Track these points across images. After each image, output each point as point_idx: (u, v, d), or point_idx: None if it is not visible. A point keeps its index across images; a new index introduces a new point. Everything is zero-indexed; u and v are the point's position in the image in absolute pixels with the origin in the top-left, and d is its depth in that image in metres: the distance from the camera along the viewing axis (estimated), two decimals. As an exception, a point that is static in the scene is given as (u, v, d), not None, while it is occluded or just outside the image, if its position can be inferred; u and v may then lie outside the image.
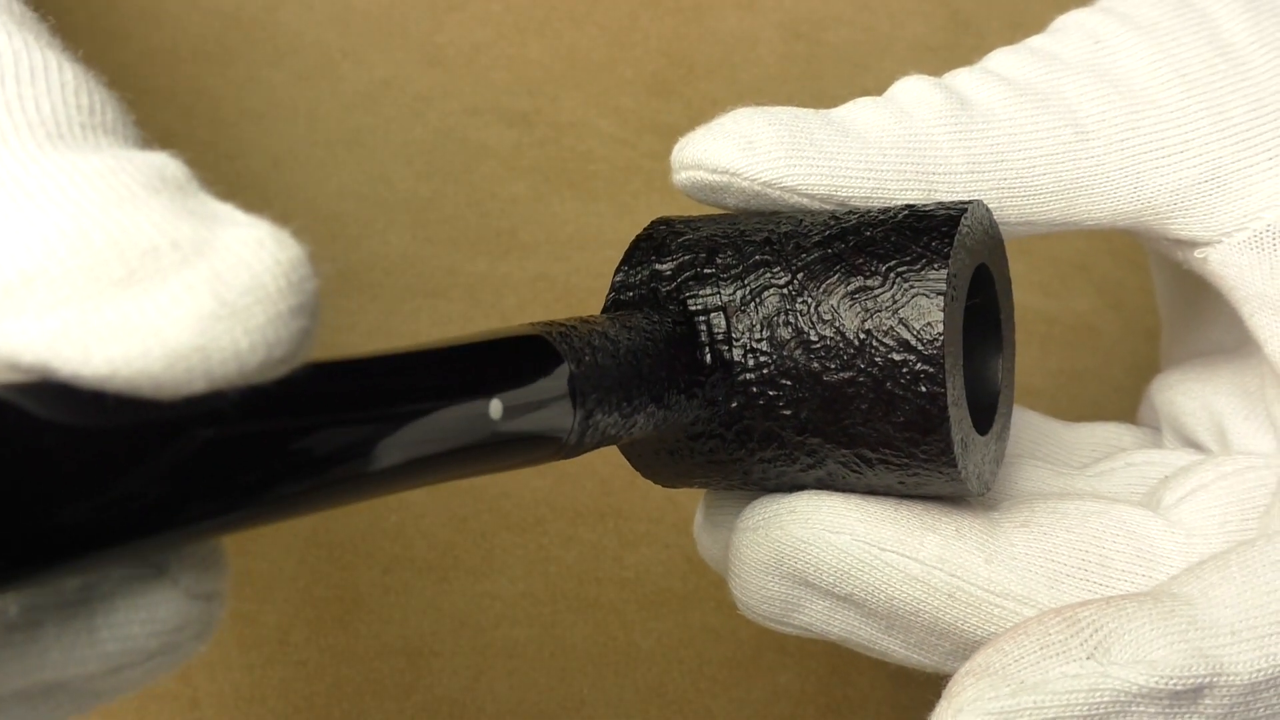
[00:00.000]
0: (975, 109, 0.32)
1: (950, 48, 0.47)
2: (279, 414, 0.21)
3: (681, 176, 0.32)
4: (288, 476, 0.21)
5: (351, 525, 0.45)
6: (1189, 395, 0.35)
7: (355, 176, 0.45)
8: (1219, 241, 0.33)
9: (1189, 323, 0.37)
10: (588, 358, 0.27)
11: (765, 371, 0.30)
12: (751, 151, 0.31)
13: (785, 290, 0.30)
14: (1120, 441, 0.37)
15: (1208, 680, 0.28)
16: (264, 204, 0.44)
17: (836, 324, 0.30)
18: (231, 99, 0.44)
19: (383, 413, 0.23)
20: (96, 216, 0.21)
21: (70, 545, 0.19)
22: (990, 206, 0.32)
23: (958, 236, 0.30)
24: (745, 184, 0.31)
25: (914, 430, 0.29)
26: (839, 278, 0.30)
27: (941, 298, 0.29)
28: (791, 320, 0.30)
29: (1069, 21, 0.35)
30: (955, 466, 0.30)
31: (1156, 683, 0.27)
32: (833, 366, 0.30)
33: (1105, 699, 0.27)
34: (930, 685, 0.31)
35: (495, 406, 0.25)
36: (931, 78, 0.33)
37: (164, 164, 0.22)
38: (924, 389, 0.29)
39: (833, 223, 0.31)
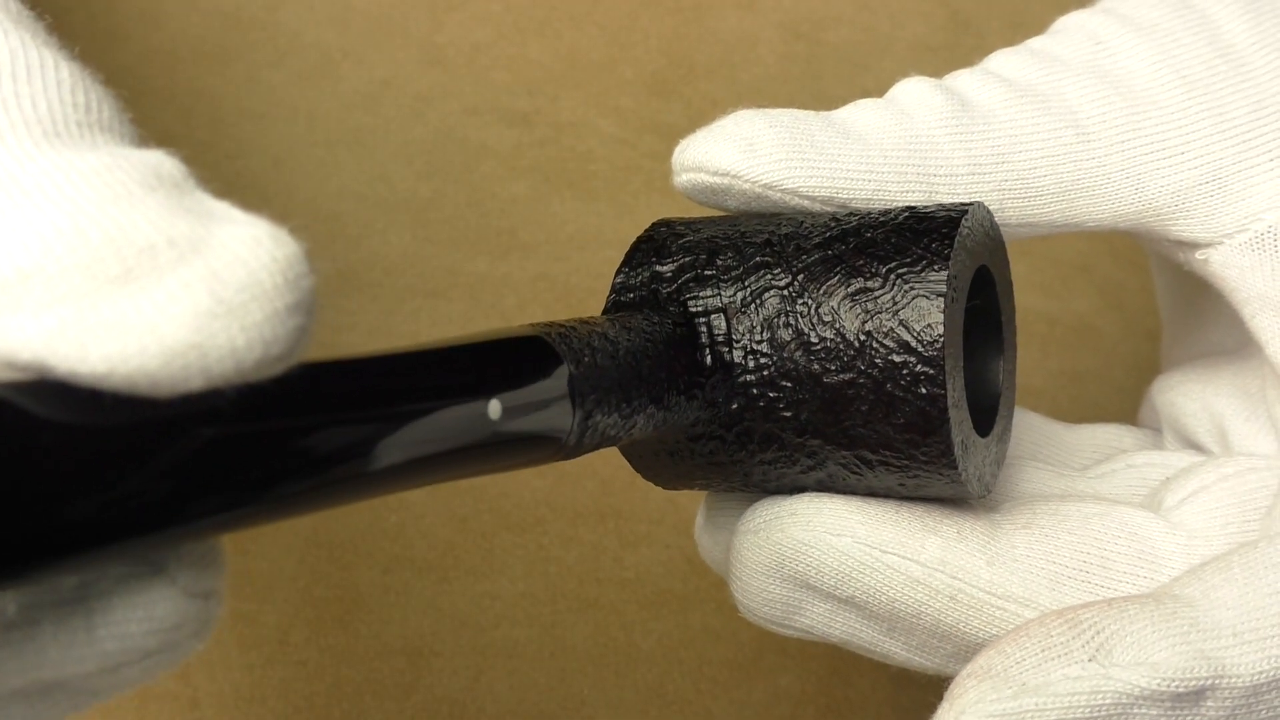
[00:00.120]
0: (976, 110, 0.32)
1: (950, 48, 0.47)
2: (278, 413, 0.21)
3: (683, 179, 0.32)
4: (287, 476, 0.21)
5: (351, 525, 0.45)
6: (1190, 397, 0.35)
7: (355, 176, 0.45)
8: (1220, 243, 0.33)
9: (1189, 324, 0.37)
10: (587, 359, 0.27)
11: (765, 373, 0.30)
12: (753, 154, 0.31)
13: (786, 292, 0.30)
14: (1121, 443, 0.37)
15: (1210, 682, 0.28)
16: (264, 204, 0.44)
17: (837, 325, 0.30)
18: (231, 99, 0.44)
19: (382, 413, 0.23)
20: (93, 214, 0.21)
21: (68, 543, 0.19)
22: (991, 208, 0.32)
23: (958, 238, 0.30)
24: (746, 186, 0.31)
25: (914, 432, 0.29)
26: (839, 279, 0.30)
27: (942, 299, 0.29)
28: (792, 322, 0.30)
29: (1070, 23, 0.34)
30: (956, 468, 0.29)
31: (1158, 685, 0.27)
32: (833, 368, 0.30)
33: (1107, 701, 0.27)
34: (931, 687, 0.31)
35: (494, 407, 0.25)
36: (932, 79, 0.33)
37: (160, 162, 0.22)
38: (924, 390, 0.29)
39: (833, 224, 0.31)
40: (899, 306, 0.29)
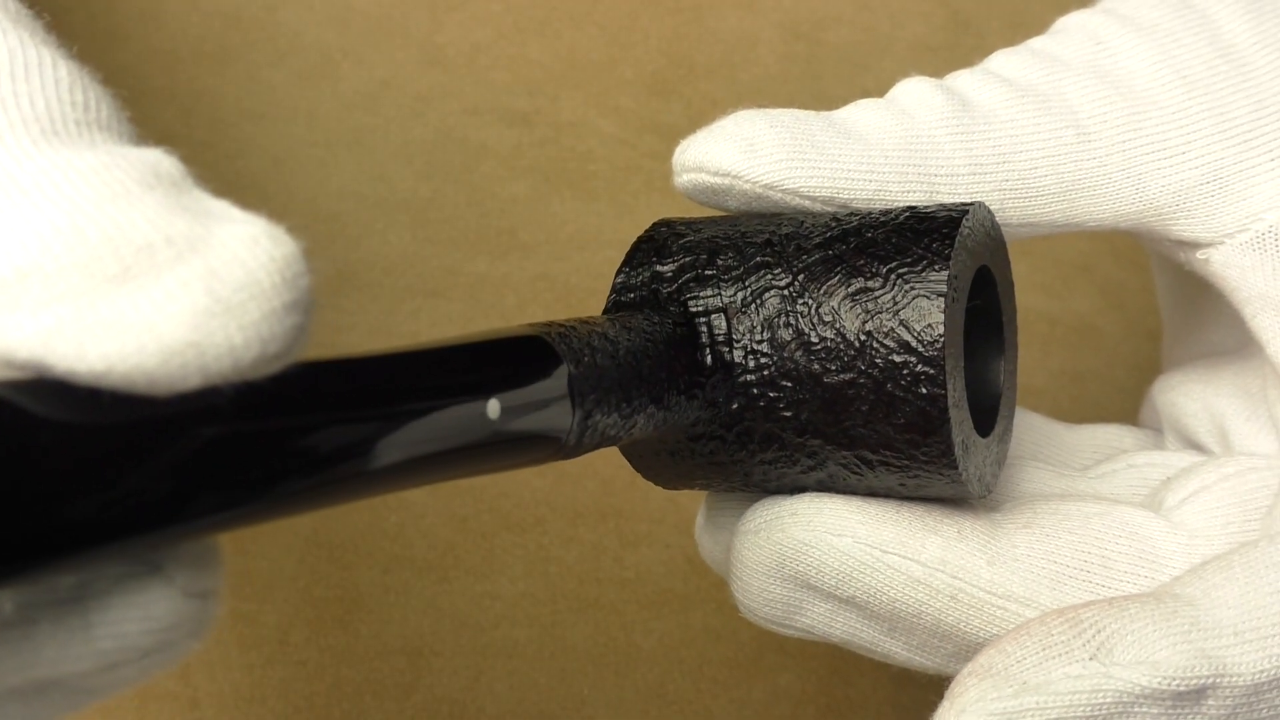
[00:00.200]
0: (977, 110, 0.32)
1: (950, 48, 0.47)
2: (277, 413, 0.21)
3: (683, 179, 0.32)
4: (285, 475, 0.21)
5: (351, 525, 0.45)
6: (1190, 397, 0.35)
7: (355, 176, 0.45)
8: (1221, 243, 0.33)
9: (1190, 324, 0.37)
10: (587, 358, 0.27)
11: (766, 373, 0.30)
12: (753, 154, 0.31)
13: (786, 292, 0.30)
14: (1122, 443, 0.37)
15: (1210, 681, 0.28)
16: (264, 204, 0.44)
17: (837, 325, 0.30)
18: (231, 99, 0.44)
19: (380, 412, 0.23)
20: (91, 213, 0.21)
21: (65, 543, 0.19)
22: (992, 208, 0.32)
23: (959, 238, 0.30)
24: (747, 186, 0.31)
25: (915, 432, 0.29)
26: (840, 279, 0.30)
27: (942, 299, 0.29)
28: (792, 322, 0.30)
29: (1070, 23, 0.34)
30: (956, 468, 0.29)
31: (1159, 683, 0.27)
32: (833, 368, 0.30)
33: (1108, 700, 0.27)
34: (932, 686, 0.31)
35: (493, 407, 0.25)
36: (933, 79, 0.33)
37: (159, 160, 0.22)
38: (924, 390, 0.29)
39: (834, 224, 0.31)
40: (899, 306, 0.29)
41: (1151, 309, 0.47)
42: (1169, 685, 0.27)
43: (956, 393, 0.29)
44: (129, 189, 0.21)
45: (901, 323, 0.29)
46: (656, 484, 0.33)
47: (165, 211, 0.21)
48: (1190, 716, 0.28)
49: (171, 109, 0.44)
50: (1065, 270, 0.48)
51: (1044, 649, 0.28)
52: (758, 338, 0.30)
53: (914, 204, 0.31)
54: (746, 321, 0.30)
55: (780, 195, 0.31)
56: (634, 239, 0.32)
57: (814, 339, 0.30)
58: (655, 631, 0.45)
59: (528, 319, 0.35)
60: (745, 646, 0.45)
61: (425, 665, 0.45)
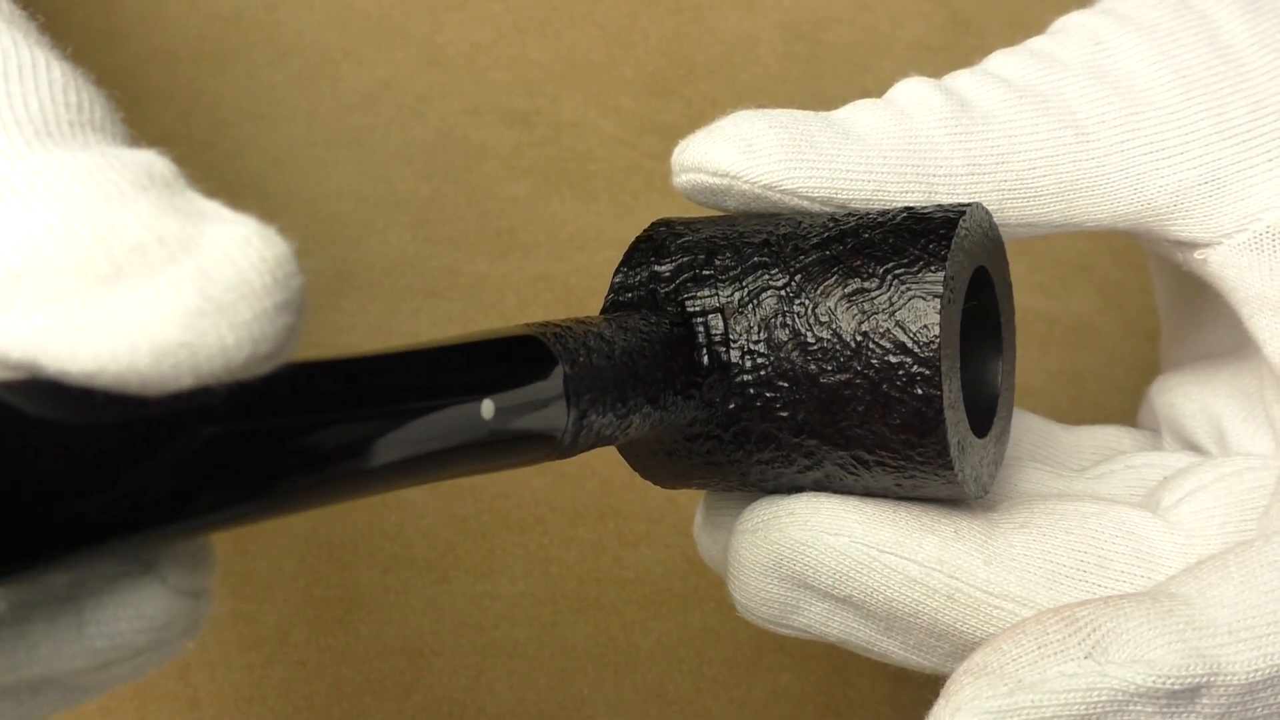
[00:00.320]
0: (975, 111, 0.32)
1: (950, 48, 0.47)
2: (271, 413, 0.21)
3: (682, 179, 0.32)
4: (278, 475, 0.21)
5: (351, 525, 0.45)
6: (1188, 398, 0.35)
7: (355, 176, 0.45)
8: (1219, 243, 0.33)
9: (1188, 325, 0.37)
10: (582, 358, 0.27)
11: (762, 373, 0.30)
12: (752, 154, 0.31)
13: (783, 292, 0.30)
14: (1120, 444, 0.37)
15: (1205, 680, 0.28)
16: (264, 204, 0.45)
17: (833, 326, 0.30)
18: (231, 99, 0.44)
19: (374, 412, 0.23)
20: (84, 214, 0.21)
21: (59, 542, 0.19)
22: (991, 208, 0.32)
23: (955, 239, 0.30)
24: (746, 187, 0.31)
25: (910, 432, 0.29)
26: (836, 280, 0.30)
27: (938, 300, 0.29)
28: (789, 322, 0.30)
29: (1069, 23, 0.34)
30: (952, 469, 0.29)
31: (1154, 682, 0.27)
32: (829, 368, 0.30)
33: (1103, 698, 0.27)
34: (930, 685, 0.31)
35: (487, 407, 0.25)
36: (931, 79, 0.33)
37: (152, 161, 0.22)
38: (920, 391, 0.29)
39: (831, 225, 0.31)
40: (895, 307, 0.29)
41: (1150, 309, 0.47)
42: (1164, 684, 0.27)
43: (952, 394, 0.29)
44: (122, 190, 0.21)
45: (897, 323, 0.29)
46: (654, 483, 0.33)
47: (158, 212, 0.21)
48: (1185, 715, 0.28)
49: (171, 109, 0.44)
50: (1063, 270, 0.48)
51: (1039, 647, 0.28)
52: (754, 338, 0.30)
53: (912, 205, 0.31)
54: (743, 322, 0.31)
55: (779, 196, 0.31)
56: (633, 239, 0.32)
57: (810, 339, 0.30)
58: (655, 631, 0.45)
59: (528, 319, 0.35)
60: (745, 646, 0.45)
61: (425, 665, 0.45)
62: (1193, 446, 0.35)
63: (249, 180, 0.45)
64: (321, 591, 0.45)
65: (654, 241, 0.32)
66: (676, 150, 0.32)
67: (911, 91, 0.33)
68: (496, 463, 0.26)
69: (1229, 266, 0.33)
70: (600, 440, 0.28)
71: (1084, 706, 0.27)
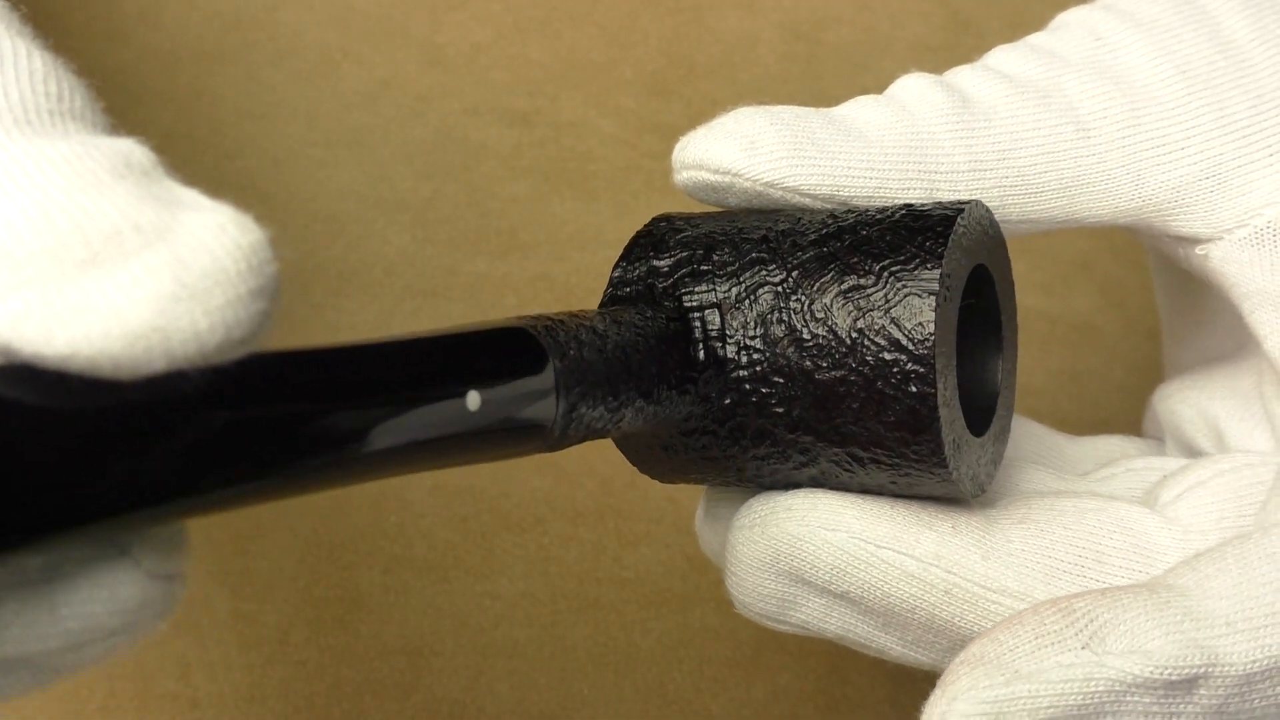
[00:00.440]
0: (977, 107, 0.32)
1: (950, 48, 0.47)
2: (248, 401, 0.21)
3: (683, 176, 0.32)
4: (255, 463, 0.21)
5: (351, 525, 0.45)
6: (1186, 403, 0.35)
7: (355, 176, 0.45)
8: (1220, 238, 0.33)
9: (1188, 325, 0.37)
10: (573, 352, 0.27)
11: (758, 369, 0.30)
12: (753, 152, 0.31)
13: (780, 288, 0.30)
14: (1123, 451, 0.36)
15: (1203, 671, 0.28)
16: (264, 204, 0.45)
17: (829, 322, 0.30)
18: (231, 99, 0.45)
19: (357, 401, 0.23)
20: (61, 200, 0.21)
21: (30, 526, 0.19)
22: (992, 205, 0.32)
23: (953, 236, 0.29)
24: (747, 184, 0.31)
25: (905, 430, 0.29)
26: (833, 276, 0.30)
27: (933, 297, 0.29)
28: (785, 318, 0.30)
29: (1070, 19, 0.34)
30: (946, 467, 0.29)
31: (1151, 673, 0.27)
32: (824, 365, 0.30)
33: (1100, 688, 0.27)
34: (929, 682, 0.31)
35: (473, 398, 0.25)
36: (932, 75, 0.33)
37: (130, 150, 0.23)
38: (914, 389, 0.29)
39: (830, 221, 0.31)
40: (891, 304, 0.29)
41: (1151, 308, 0.47)
42: (1161, 674, 0.27)
43: (947, 391, 0.29)
44: (99, 178, 0.22)
45: (892, 320, 0.29)
46: (652, 477, 0.33)
47: (134, 200, 0.21)
48: (1182, 706, 0.28)
49: (171, 109, 0.44)
50: (1064, 269, 0.48)
51: (1036, 638, 0.28)
52: (751, 334, 0.30)
53: (914, 201, 0.31)
54: (740, 317, 0.30)
55: (780, 193, 0.31)
56: (634, 233, 0.32)
57: (806, 335, 0.30)
58: (655, 631, 0.45)
59: (526, 318, 0.35)
60: (745, 645, 0.45)
61: (425, 665, 0.45)
62: (1195, 452, 0.35)
63: (249, 180, 0.45)
64: (321, 591, 0.45)
65: (654, 236, 0.32)
66: (677, 147, 0.32)
67: (913, 88, 0.33)
68: (484, 454, 0.26)
69: (1230, 262, 0.33)
70: (591, 433, 0.28)
71: (1081, 697, 0.27)
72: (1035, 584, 0.31)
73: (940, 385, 0.29)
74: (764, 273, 0.30)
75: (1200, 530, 0.32)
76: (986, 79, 0.33)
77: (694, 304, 0.31)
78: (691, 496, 0.40)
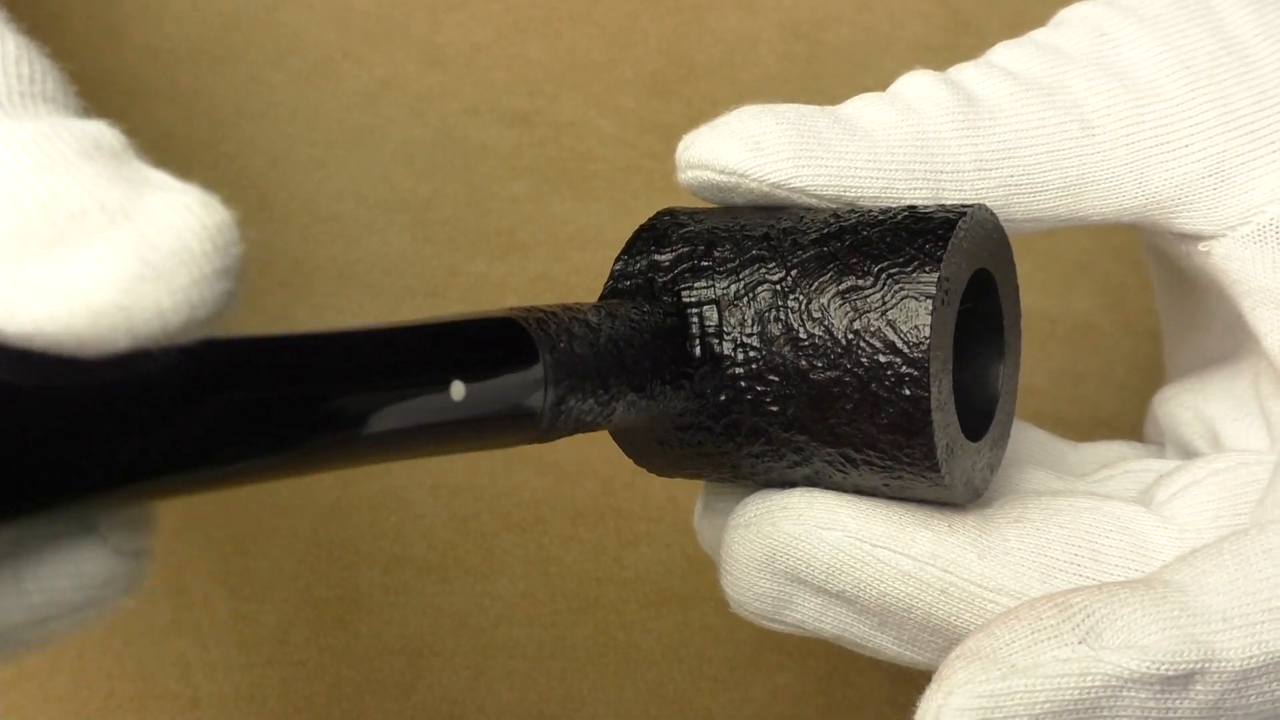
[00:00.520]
0: (982, 105, 0.32)
1: (950, 48, 0.47)
2: (218, 383, 0.21)
3: (688, 175, 0.32)
4: (221, 445, 0.21)
5: (351, 525, 0.45)
6: (1183, 406, 0.35)
7: (355, 176, 0.45)
8: (1223, 235, 0.33)
9: (1185, 326, 0.37)
10: (563, 344, 0.27)
11: (754, 367, 0.30)
12: (760, 153, 0.31)
13: (778, 286, 0.30)
14: (1123, 457, 0.36)
15: (1199, 666, 0.28)
16: (264, 204, 0.45)
17: (825, 322, 0.30)
18: (231, 99, 0.45)
19: (333, 386, 0.23)
20: (27, 180, 0.21)
21: None
22: (997, 204, 0.32)
23: (953, 240, 0.29)
24: (753, 185, 0.31)
25: (897, 433, 0.29)
26: (831, 276, 0.30)
27: (930, 300, 0.29)
28: (782, 317, 0.30)
29: (1073, 14, 0.34)
30: (939, 471, 0.29)
31: (1148, 668, 0.27)
32: (820, 365, 0.29)
33: (1096, 683, 0.27)
34: (929, 682, 0.31)
35: (458, 388, 0.25)
36: (936, 73, 0.33)
37: (100, 132, 0.23)
38: (908, 392, 0.29)
39: (833, 221, 0.31)
40: (887, 306, 0.29)
41: (1151, 308, 0.47)
42: (1158, 670, 0.27)
43: (942, 396, 0.29)
44: (67, 158, 0.22)
45: (888, 323, 0.29)
46: (649, 470, 0.33)
47: (101, 180, 0.21)
48: (1178, 701, 0.28)
49: (171, 109, 0.44)
50: (1065, 269, 0.48)
51: (1033, 633, 0.28)
52: (748, 331, 0.30)
53: (921, 201, 0.31)
54: (738, 314, 0.30)
55: (787, 194, 0.31)
56: (637, 227, 0.32)
57: (802, 335, 0.30)
58: (655, 631, 0.45)
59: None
60: (745, 645, 0.45)
61: (425, 665, 0.45)
62: (1193, 455, 0.35)
63: (249, 180, 0.45)
64: (321, 591, 0.45)
65: (657, 230, 0.32)
66: (681, 145, 0.32)
67: (917, 86, 0.32)
68: (472, 443, 0.26)
69: (1232, 259, 0.33)
70: (582, 425, 0.28)
71: (1077, 691, 0.27)
72: (1031, 583, 0.31)
73: (934, 389, 0.29)
74: (764, 270, 0.30)
75: (1196, 529, 0.32)
76: (991, 76, 0.33)
77: (693, 299, 0.31)
78: (691, 496, 0.40)
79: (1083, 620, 0.28)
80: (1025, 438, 0.36)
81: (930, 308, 0.29)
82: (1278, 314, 0.32)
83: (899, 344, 0.29)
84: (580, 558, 0.45)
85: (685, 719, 0.45)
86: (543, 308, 0.28)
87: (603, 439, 0.32)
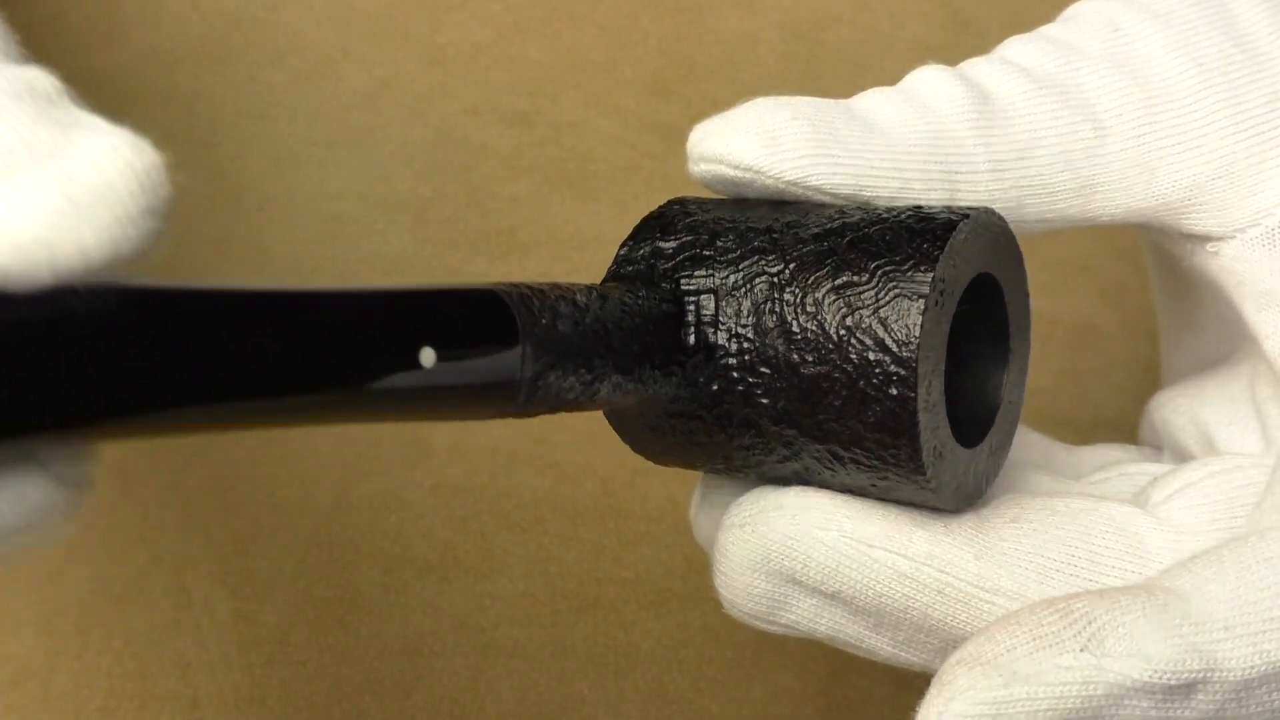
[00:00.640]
0: (996, 104, 0.32)
1: (950, 48, 0.47)
2: (165, 328, 0.21)
3: (700, 169, 0.31)
4: (160, 390, 0.21)
5: (351, 525, 0.45)
6: (1178, 411, 0.35)
7: (355, 176, 0.45)
8: (1231, 237, 0.32)
9: (1182, 328, 0.37)
10: (545, 320, 0.27)
11: (746, 358, 0.30)
12: (776, 149, 0.30)
13: (776, 279, 0.30)
14: (1120, 460, 0.36)
15: (1201, 676, 0.27)
16: (264, 204, 0.45)
17: (819, 317, 0.29)
18: (231, 99, 0.45)
19: (293, 340, 0.23)
20: None
21: None
22: (1010, 206, 0.31)
23: (952, 241, 0.29)
24: (769, 182, 0.31)
25: (884, 432, 0.29)
26: (828, 271, 0.30)
27: (923, 300, 0.29)
28: (777, 309, 0.30)
29: (1084, 9, 0.34)
30: (924, 474, 0.29)
31: (1151, 677, 0.27)
32: (810, 359, 0.29)
33: (1099, 692, 0.27)
34: (930, 684, 0.31)
35: (428, 354, 0.25)
36: (949, 68, 0.32)
37: (35, 77, 0.23)
38: (895, 391, 0.28)
39: (837, 217, 0.30)
40: (880, 304, 0.29)
41: (1151, 308, 0.47)
42: (1160, 679, 0.27)
43: (931, 397, 0.29)
44: None
45: (880, 321, 0.29)
46: (644, 457, 0.33)
47: (30, 121, 0.22)
48: (1180, 710, 0.28)
49: (171, 109, 0.44)
50: (1065, 270, 0.48)
51: (1034, 639, 0.28)
52: (743, 322, 0.30)
53: (935, 202, 0.31)
54: (734, 305, 0.30)
55: (802, 191, 0.31)
56: (646, 214, 0.32)
57: (795, 329, 0.30)
58: (655, 631, 0.45)
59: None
60: (744, 646, 0.45)
61: (425, 665, 0.45)
62: (1188, 459, 0.35)
63: (249, 180, 0.45)
64: (321, 591, 0.45)
65: (664, 219, 0.32)
66: (693, 137, 0.31)
67: (930, 81, 0.32)
68: (442, 412, 0.26)
69: (1240, 260, 0.33)
70: (564, 403, 0.28)
71: (1080, 700, 0.27)
72: (1029, 584, 0.31)
73: (922, 390, 0.29)
74: (763, 262, 0.30)
75: (1192, 531, 0.32)
76: (1004, 73, 0.32)
77: (691, 288, 0.31)
78: (691, 496, 0.40)
79: (1084, 627, 0.28)
80: (1021, 440, 0.35)
81: (922, 307, 0.28)
82: (1280, 316, 0.32)
83: (889, 342, 0.29)
84: (580, 558, 0.45)
85: (685, 719, 0.45)
86: (530, 284, 0.27)
87: (603, 439, 0.32)
